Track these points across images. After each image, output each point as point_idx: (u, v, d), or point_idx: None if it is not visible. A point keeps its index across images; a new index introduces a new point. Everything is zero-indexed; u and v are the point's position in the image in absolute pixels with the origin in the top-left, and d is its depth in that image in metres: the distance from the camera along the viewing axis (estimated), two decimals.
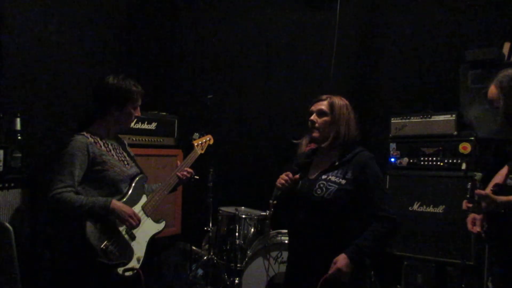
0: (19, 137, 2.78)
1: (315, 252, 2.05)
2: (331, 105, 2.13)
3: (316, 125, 2.13)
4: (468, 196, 1.99)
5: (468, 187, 2.00)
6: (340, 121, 2.11)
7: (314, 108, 2.17)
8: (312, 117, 2.15)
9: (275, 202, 2.20)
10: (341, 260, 1.92)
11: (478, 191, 1.93)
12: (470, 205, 1.97)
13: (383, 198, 2.03)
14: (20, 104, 3.10)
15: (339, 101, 2.16)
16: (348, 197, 2.02)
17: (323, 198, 2.03)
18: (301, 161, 2.27)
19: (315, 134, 2.15)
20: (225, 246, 3.66)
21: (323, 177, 2.09)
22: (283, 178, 2.11)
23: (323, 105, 2.14)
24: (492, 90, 2.05)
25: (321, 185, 2.06)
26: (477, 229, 2.11)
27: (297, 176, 2.12)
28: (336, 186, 2.03)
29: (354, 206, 2.03)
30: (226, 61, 4.74)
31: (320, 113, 2.13)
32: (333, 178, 2.06)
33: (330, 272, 1.93)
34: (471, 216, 2.14)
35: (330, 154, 2.15)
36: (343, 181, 2.04)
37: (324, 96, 2.19)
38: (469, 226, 2.15)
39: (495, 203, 1.91)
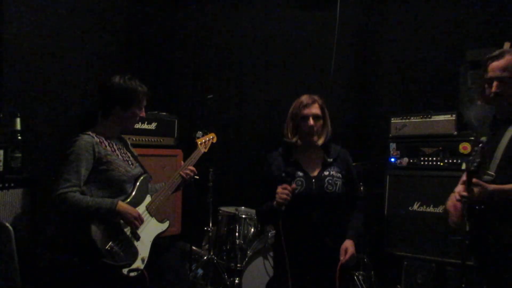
0: (19, 137, 2.78)
1: (326, 243, 2.16)
2: (322, 108, 2.26)
3: (315, 129, 2.21)
4: (466, 185, 1.95)
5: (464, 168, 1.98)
6: (328, 121, 2.28)
7: (308, 111, 2.19)
8: (310, 122, 2.19)
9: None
10: (350, 246, 2.13)
11: (474, 180, 1.92)
12: (465, 193, 1.93)
13: (359, 186, 2.52)
14: (20, 104, 3.09)
15: (323, 100, 2.29)
16: (346, 188, 2.27)
17: (336, 192, 2.19)
18: (288, 167, 2.26)
19: (315, 138, 2.24)
20: (225, 246, 3.65)
21: (325, 173, 2.22)
22: (284, 192, 2.10)
23: (317, 109, 2.22)
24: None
25: (330, 181, 2.20)
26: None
27: (294, 185, 2.17)
28: (340, 180, 2.23)
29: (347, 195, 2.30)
30: (226, 61, 4.74)
31: (316, 117, 2.21)
32: (335, 173, 2.23)
33: (346, 258, 2.10)
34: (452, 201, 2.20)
35: (313, 149, 2.28)
36: (341, 175, 2.26)
37: (314, 98, 2.26)
38: (451, 209, 2.20)
39: (487, 190, 1.90)
